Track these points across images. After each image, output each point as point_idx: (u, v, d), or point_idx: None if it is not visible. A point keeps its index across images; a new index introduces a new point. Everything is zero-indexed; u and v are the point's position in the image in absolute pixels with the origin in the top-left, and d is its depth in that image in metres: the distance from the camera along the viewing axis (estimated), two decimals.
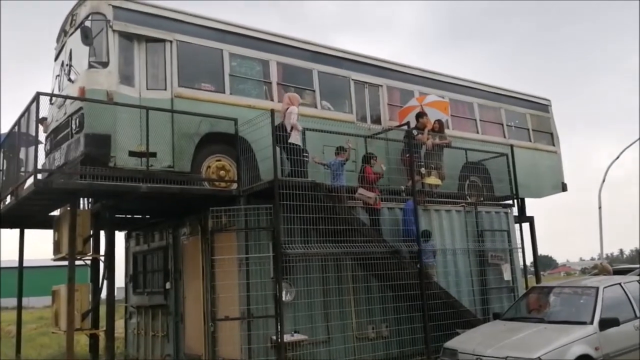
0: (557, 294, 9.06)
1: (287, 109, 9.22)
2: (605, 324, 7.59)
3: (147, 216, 11.06)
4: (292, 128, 9.03)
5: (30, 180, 8.11)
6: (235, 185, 9.09)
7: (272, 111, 8.64)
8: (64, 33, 9.62)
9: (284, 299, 8.41)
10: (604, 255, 21.90)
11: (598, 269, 11.15)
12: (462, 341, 8.17)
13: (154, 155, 8.39)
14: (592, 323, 7.63)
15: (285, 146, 8.96)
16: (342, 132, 9.96)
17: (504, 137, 13.97)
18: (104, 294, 9.14)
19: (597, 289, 8.25)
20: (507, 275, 11.72)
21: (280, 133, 8.91)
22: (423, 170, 10.78)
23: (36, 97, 7.87)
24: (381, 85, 11.86)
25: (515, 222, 12.57)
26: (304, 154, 9.17)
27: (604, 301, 8.01)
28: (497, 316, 9.21)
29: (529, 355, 6.96)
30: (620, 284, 8.67)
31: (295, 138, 9.02)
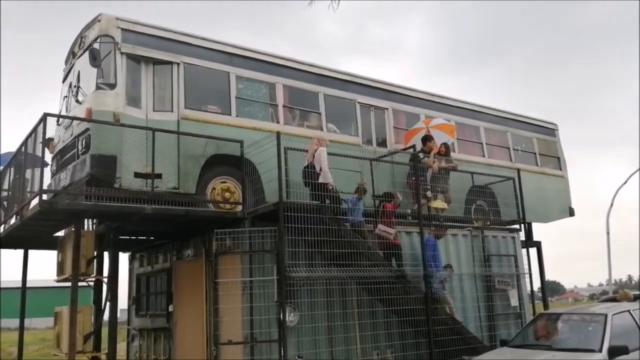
0: (565, 321, 8.90)
1: (317, 150, 9.23)
2: (614, 352, 7.43)
3: (152, 238, 11.03)
4: (321, 169, 9.06)
5: (35, 201, 8.11)
6: (240, 208, 9.06)
7: (278, 133, 8.64)
8: (72, 55, 9.72)
9: (287, 323, 8.31)
10: (612, 281, 21.68)
11: (619, 295, 10.97)
12: None
13: (159, 176, 8.39)
14: (600, 351, 7.47)
15: (312, 182, 9.00)
16: (347, 154, 9.95)
17: (511, 161, 13.92)
18: (106, 316, 9.08)
19: (606, 316, 8.10)
20: (514, 301, 11.55)
21: (309, 170, 9.06)
22: (429, 193, 10.72)
23: (43, 118, 7.90)
24: (387, 109, 11.88)
25: (523, 247, 12.44)
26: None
27: (613, 329, 7.86)
28: (504, 343, 9.04)
29: None
30: (629, 311, 8.52)
31: (324, 178, 9.03)
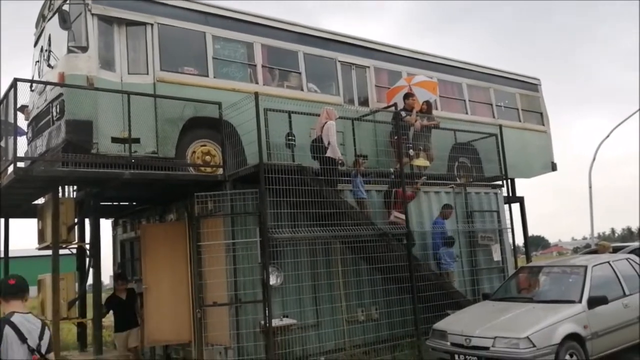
0: (546, 274, 9.06)
1: (325, 123, 9.16)
2: (593, 302, 7.60)
3: (134, 203, 10.94)
4: (329, 143, 9.05)
5: (11, 169, 7.97)
6: (221, 170, 8.96)
7: (257, 94, 8.49)
8: (42, 18, 9.43)
9: (272, 283, 8.35)
10: (595, 235, 22.06)
11: (599, 247, 11.24)
12: (451, 322, 8.17)
13: (137, 141, 8.24)
14: (580, 302, 7.64)
15: (320, 156, 9.03)
16: None
17: (493, 117, 13.88)
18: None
19: (586, 267, 8.25)
20: (497, 256, 11.69)
21: (317, 144, 9.10)
22: (411, 152, 10.69)
23: (14, 84, 7.68)
24: (368, 67, 11.72)
25: (505, 203, 12.53)
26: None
27: (593, 280, 8.02)
28: (486, 297, 9.21)
29: (517, 335, 6.96)
30: (609, 262, 8.67)
31: (332, 152, 9.03)
